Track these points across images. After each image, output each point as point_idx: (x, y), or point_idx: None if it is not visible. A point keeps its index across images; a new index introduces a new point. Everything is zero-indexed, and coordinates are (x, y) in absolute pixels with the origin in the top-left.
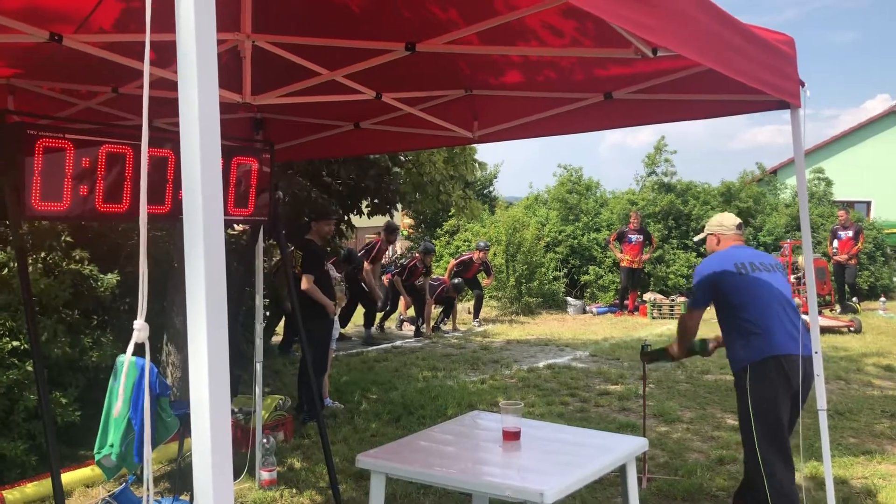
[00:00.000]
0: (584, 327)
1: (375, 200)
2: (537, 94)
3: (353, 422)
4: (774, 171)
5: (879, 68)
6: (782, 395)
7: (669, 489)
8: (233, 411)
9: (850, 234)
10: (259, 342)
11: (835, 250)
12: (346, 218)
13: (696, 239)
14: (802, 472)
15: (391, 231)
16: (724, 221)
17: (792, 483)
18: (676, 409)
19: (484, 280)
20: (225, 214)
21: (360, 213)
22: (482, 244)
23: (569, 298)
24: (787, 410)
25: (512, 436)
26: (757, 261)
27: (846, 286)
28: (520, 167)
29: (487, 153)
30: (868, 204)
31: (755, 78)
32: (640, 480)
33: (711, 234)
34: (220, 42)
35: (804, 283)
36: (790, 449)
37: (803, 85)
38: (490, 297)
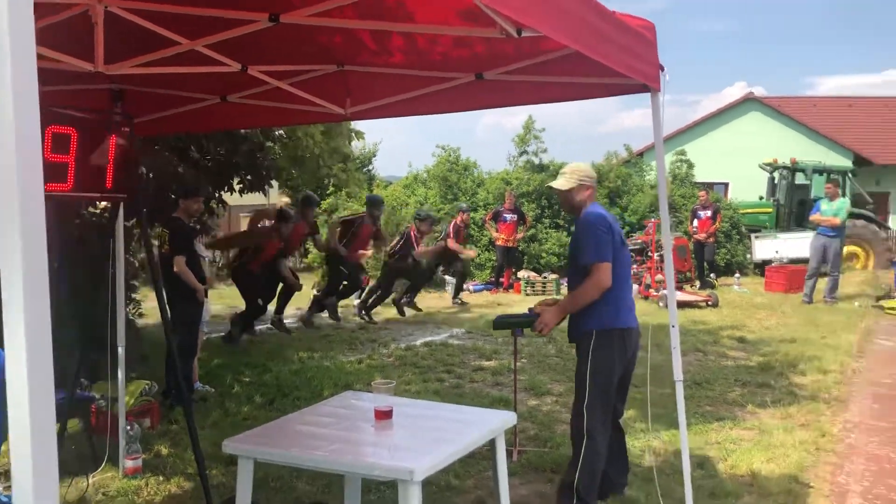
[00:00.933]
0: (460, 305)
1: (248, 177)
2: (411, 73)
3: (224, 406)
4: (641, 154)
5: (739, 57)
6: (618, 366)
7: (539, 461)
8: (94, 398)
9: (709, 213)
10: (121, 324)
11: (695, 229)
12: (216, 195)
13: (556, 185)
14: (661, 439)
15: (375, 205)
16: (590, 173)
17: (605, 448)
18: (547, 383)
19: (468, 251)
20: (80, 191)
21: (231, 190)
22: (463, 205)
23: (447, 277)
24: (618, 380)
25: (384, 415)
26: (619, 230)
27: (705, 263)
28: (398, 147)
29: (365, 133)
30: (726, 185)
31: (619, 61)
32: (510, 453)
33: (583, 184)
34: (68, 6)
35: (679, 259)
36: (611, 416)
37: (663, 69)
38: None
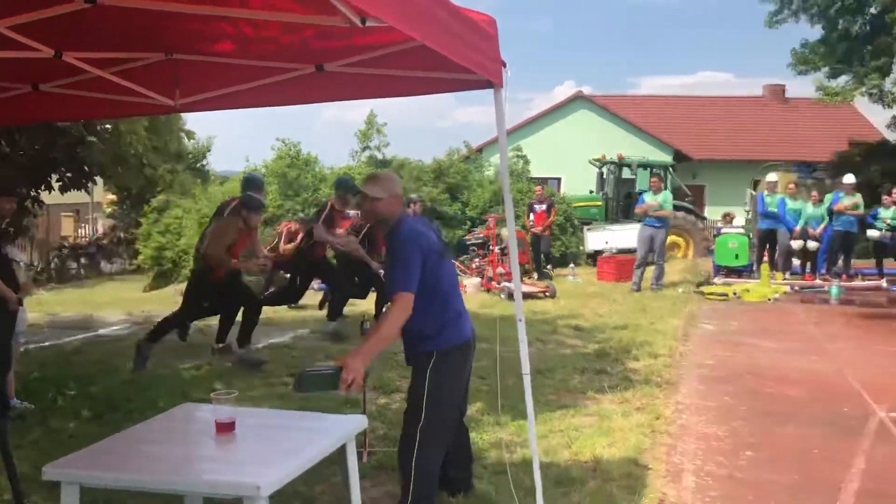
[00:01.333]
0: (307, 303)
1: (68, 174)
2: (247, 63)
3: (46, 423)
4: (480, 150)
5: (567, 57)
6: (460, 383)
7: (390, 461)
8: None
9: (544, 207)
10: None
11: (531, 223)
12: (32, 194)
13: (370, 192)
14: (509, 430)
15: (348, 188)
16: (400, 187)
17: (437, 472)
18: (395, 380)
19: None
20: None
21: (49, 188)
22: (414, 196)
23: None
24: (461, 395)
25: (226, 427)
26: (437, 235)
27: (542, 255)
28: (235, 141)
29: (198, 125)
30: (559, 180)
31: (464, 56)
32: (360, 455)
33: (393, 197)
34: None
35: (508, 254)
36: (450, 437)
37: (505, 66)
38: None
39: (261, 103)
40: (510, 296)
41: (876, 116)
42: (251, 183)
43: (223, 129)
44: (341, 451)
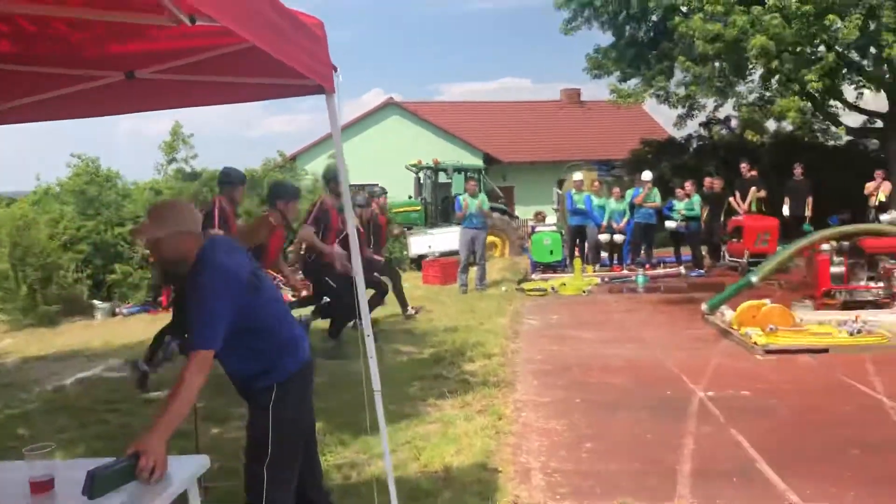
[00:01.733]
0: (115, 331)
1: None
2: (42, 70)
3: None
4: (294, 158)
5: (373, 65)
6: (305, 406)
7: (228, 497)
8: None
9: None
10: None
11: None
12: None
13: (148, 233)
14: (353, 448)
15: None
16: (190, 215)
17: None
18: (226, 406)
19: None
20: None
21: None
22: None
23: (95, 301)
24: (308, 421)
25: (42, 487)
26: (249, 261)
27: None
28: (21, 157)
29: None
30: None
31: (298, 60)
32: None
33: (182, 231)
34: None
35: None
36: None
37: (336, 70)
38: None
39: (59, 116)
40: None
41: (661, 116)
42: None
43: (3, 145)
44: (182, 498)
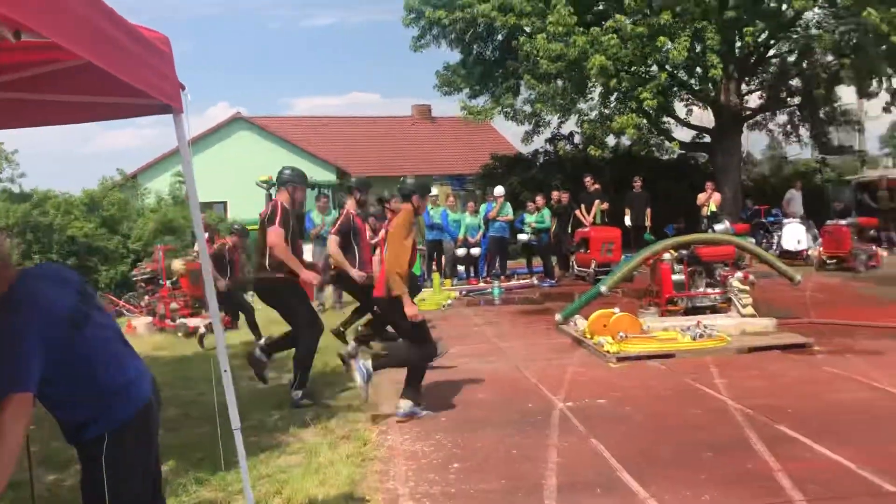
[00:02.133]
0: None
1: None
2: None
3: None
4: (135, 176)
5: (218, 78)
6: (149, 451)
7: None
8: None
9: (207, 235)
10: None
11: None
12: None
13: None
14: (210, 486)
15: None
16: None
17: None
18: (67, 449)
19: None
20: None
21: None
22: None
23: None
24: (151, 468)
25: None
26: (74, 295)
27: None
28: None
29: None
30: (225, 204)
31: (141, 77)
32: None
33: None
34: None
35: (180, 287)
36: None
37: (184, 88)
38: None
39: None
40: (189, 333)
41: (508, 132)
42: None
43: None
44: None
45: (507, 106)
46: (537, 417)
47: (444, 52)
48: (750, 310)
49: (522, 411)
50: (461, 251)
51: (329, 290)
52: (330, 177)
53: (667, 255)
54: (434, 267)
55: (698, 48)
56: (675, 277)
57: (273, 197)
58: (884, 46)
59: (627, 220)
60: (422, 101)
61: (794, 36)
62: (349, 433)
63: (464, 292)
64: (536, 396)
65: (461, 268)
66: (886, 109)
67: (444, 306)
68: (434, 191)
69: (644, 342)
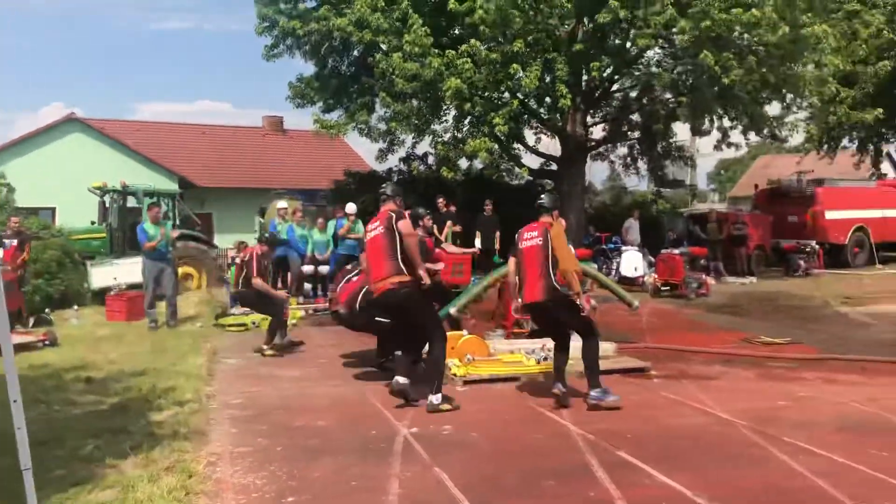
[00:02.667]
0: None
1: None
2: None
3: None
4: None
5: (53, 77)
6: None
7: None
8: None
9: (17, 242)
10: None
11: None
12: None
13: None
14: None
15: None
16: None
17: None
18: None
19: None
20: None
21: None
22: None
23: None
24: None
25: None
26: None
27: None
28: None
29: None
30: (53, 210)
31: None
32: None
33: None
34: None
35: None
36: None
37: None
38: None
39: None
40: None
41: (361, 148)
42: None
43: None
44: None
45: (361, 122)
46: (380, 445)
47: (298, 63)
48: None
49: (364, 438)
50: (308, 268)
51: None
52: (173, 186)
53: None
54: (280, 284)
55: (548, 78)
56: None
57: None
58: (716, 87)
59: (478, 243)
60: (274, 113)
61: (636, 73)
62: (174, 464)
63: (311, 311)
64: (380, 422)
65: (308, 286)
66: (717, 147)
67: (290, 326)
68: (282, 203)
69: (491, 365)
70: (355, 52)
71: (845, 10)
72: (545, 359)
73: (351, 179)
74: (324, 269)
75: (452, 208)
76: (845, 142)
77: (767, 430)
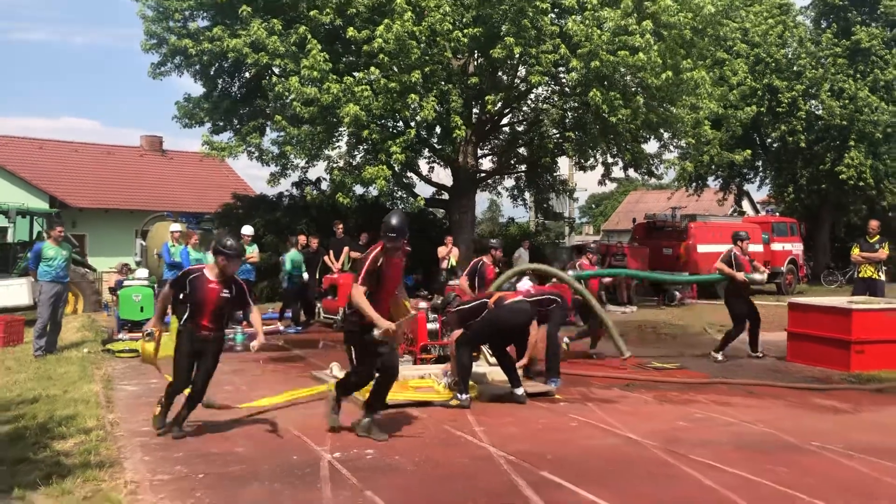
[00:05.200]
0: None
1: None
2: None
3: None
4: None
5: None
6: None
7: None
8: None
9: None
10: None
11: None
12: None
13: None
14: None
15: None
16: None
17: None
18: None
19: None
20: None
21: None
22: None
23: None
24: None
25: None
26: None
27: None
28: None
29: None
30: None
31: None
32: None
33: None
34: None
35: None
36: None
37: None
38: None
39: None
40: None
41: (243, 172)
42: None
43: None
44: None
45: (253, 145)
46: (305, 470)
47: (174, 82)
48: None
49: (288, 464)
50: None
51: None
52: (42, 205)
53: (423, 304)
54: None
55: (442, 109)
56: (429, 326)
57: None
58: (601, 125)
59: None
60: (151, 133)
61: (525, 108)
62: (91, 493)
63: None
64: (300, 448)
65: None
66: (602, 182)
67: None
68: (176, 227)
69: (404, 390)
70: (247, 74)
71: (714, 58)
72: (455, 383)
73: (240, 203)
74: None
75: (364, 235)
76: (710, 181)
77: (674, 449)
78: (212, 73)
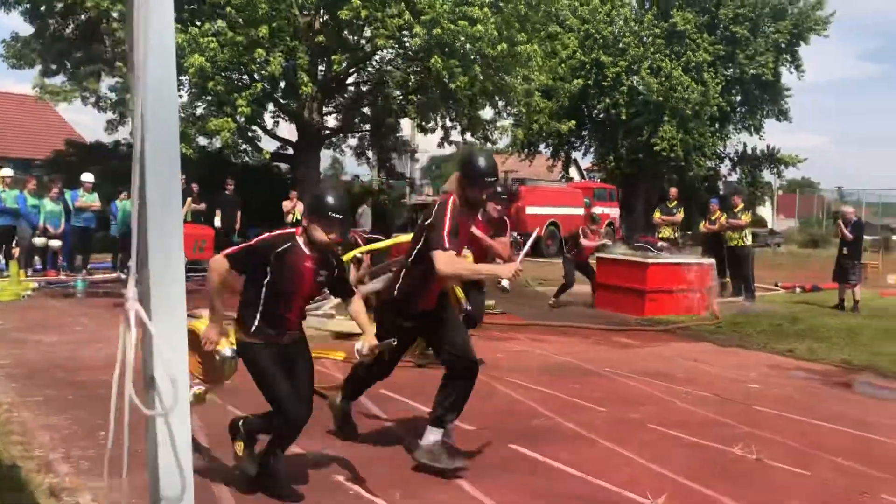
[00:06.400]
0: None
1: None
2: None
3: None
4: None
5: None
6: None
7: None
8: None
9: None
10: None
11: None
12: None
13: None
14: None
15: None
16: None
17: None
18: None
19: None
20: None
21: None
22: None
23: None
24: None
25: None
26: None
27: None
28: None
29: None
30: None
31: None
32: None
33: None
34: None
35: None
36: None
37: None
38: None
39: None
40: None
41: (75, 116)
42: None
43: None
44: None
45: (90, 91)
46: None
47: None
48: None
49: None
50: (40, 240)
51: None
52: None
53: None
54: (14, 255)
55: (288, 65)
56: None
57: None
58: (442, 91)
59: (217, 221)
60: None
61: (370, 70)
62: None
63: (43, 283)
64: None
65: (37, 258)
66: (440, 145)
67: (23, 297)
68: (8, 171)
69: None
70: (83, 17)
71: (547, 32)
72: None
73: (73, 149)
74: (56, 243)
75: (195, 186)
76: (542, 148)
77: (494, 374)
78: (42, 11)
